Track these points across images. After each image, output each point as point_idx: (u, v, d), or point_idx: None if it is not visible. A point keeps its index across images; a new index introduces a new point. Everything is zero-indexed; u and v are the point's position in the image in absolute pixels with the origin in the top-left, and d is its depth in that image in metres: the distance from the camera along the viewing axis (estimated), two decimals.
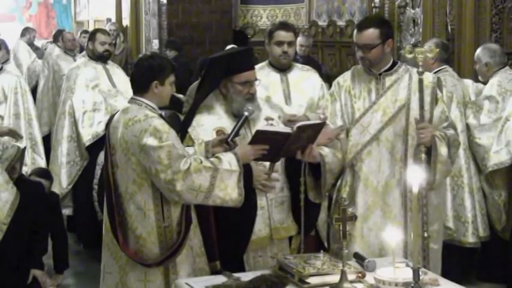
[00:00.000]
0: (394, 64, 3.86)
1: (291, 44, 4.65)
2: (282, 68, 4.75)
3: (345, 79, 3.93)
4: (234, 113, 3.69)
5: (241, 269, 3.55)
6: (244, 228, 3.63)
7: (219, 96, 3.74)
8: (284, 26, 4.78)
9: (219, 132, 3.64)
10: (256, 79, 3.73)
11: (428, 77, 3.82)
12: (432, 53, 3.93)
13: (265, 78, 4.69)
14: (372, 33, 3.75)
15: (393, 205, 3.75)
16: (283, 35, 4.63)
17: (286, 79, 4.75)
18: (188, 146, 3.58)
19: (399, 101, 3.77)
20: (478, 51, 5.53)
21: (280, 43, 4.64)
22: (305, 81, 4.79)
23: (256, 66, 4.84)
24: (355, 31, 3.83)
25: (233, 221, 3.55)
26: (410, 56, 3.74)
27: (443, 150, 3.65)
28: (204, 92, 3.78)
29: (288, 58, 4.71)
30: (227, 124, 3.67)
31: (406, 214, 3.74)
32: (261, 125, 3.70)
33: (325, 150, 3.71)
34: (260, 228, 3.66)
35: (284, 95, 4.71)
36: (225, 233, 3.61)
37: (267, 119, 3.76)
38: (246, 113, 3.61)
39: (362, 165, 3.76)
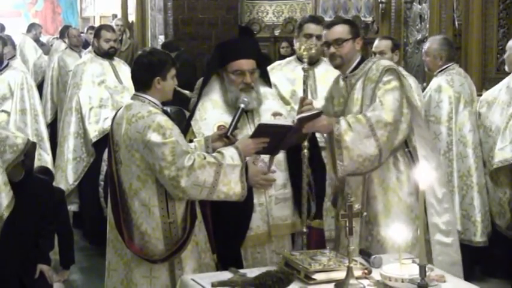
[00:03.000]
0: (361, 62, 3.81)
1: (319, 37, 4.61)
2: (309, 61, 4.73)
3: (330, 89, 3.97)
4: (230, 103, 3.68)
5: (239, 265, 3.55)
6: (240, 224, 3.62)
7: (223, 90, 3.74)
8: (314, 19, 4.78)
9: (220, 127, 3.64)
10: (253, 70, 3.68)
11: (379, 70, 3.70)
12: (313, 49, 3.86)
13: (291, 72, 4.69)
14: (342, 28, 3.77)
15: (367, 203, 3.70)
16: (312, 27, 4.61)
17: (313, 73, 4.73)
18: (190, 140, 3.58)
19: (360, 99, 3.73)
20: (510, 41, 5.50)
21: (309, 36, 4.60)
22: (332, 75, 4.72)
23: (283, 61, 4.87)
24: (325, 30, 3.83)
25: (230, 216, 3.55)
26: (300, 51, 3.75)
27: (346, 135, 3.52)
28: (204, 81, 3.80)
29: (316, 51, 4.69)
30: (229, 119, 3.66)
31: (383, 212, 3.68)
32: (266, 119, 3.68)
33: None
34: (258, 224, 3.66)
35: (310, 89, 4.69)
36: (222, 227, 3.61)
37: (275, 114, 3.75)
38: (242, 105, 3.60)
39: None
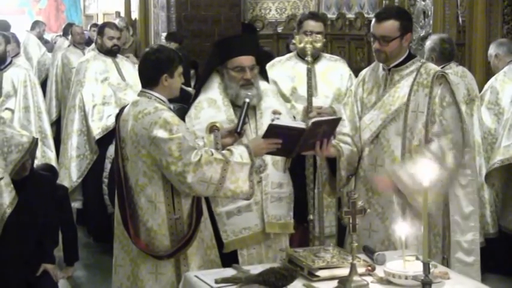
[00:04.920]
0: (408, 59, 3.64)
1: (320, 34, 4.59)
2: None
3: (364, 71, 3.82)
4: (231, 100, 3.69)
5: (235, 260, 3.56)
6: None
7: (222, 87, 3.74)
8: (313, 15, 4.75)
9: (213, 128, 3.63)
10: (253, 66, 3.68)
11: (429, 74, 3.57)
12: (319, 43, 3.80)
13: (291, 69, 4.68)
14: (391, 25, 3.53)
15: (386, 206, 3.60)
16: (312, 24, 4.59)
17: (313, 70, 4.71)
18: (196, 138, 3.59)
19: (401, 98, 3.58)
20: (490, 48, 5.48)
21: (309, 33, 4.57)
22: (333, 72, 4.74)
23: (284, 57, 4.87)
24: (374, 21, 3.61)
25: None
26: (300, 45, 3.69)
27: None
28: (203, 78, 3.81)
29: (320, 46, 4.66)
30: (223, 118, 3.68)
31: (404, 216, 3.56)
32: (267, 117, 3.68)
33: (342, 145, 3.62)
34: (256, 223, 3.67)
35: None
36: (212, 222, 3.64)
37: (275, 112, 3.74)
38: (247, 100, 3.60)
39: (362, 162, 3.67)
